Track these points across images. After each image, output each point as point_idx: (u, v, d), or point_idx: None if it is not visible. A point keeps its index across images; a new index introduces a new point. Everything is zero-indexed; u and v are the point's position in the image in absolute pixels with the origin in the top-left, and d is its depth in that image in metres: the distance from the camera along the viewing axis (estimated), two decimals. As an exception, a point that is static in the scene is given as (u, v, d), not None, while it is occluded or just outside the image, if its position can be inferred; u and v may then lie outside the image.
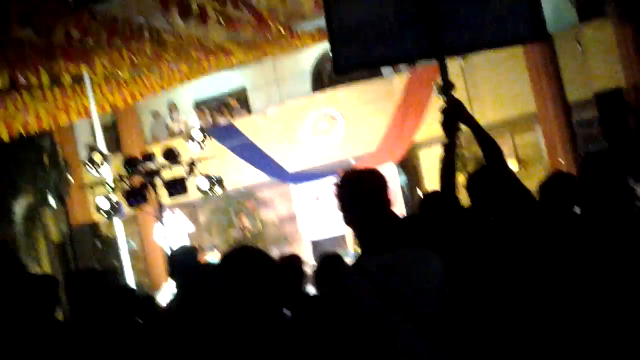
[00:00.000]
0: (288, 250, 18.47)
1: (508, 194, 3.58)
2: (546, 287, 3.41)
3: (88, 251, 15.64)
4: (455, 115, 3.65)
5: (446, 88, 3.70)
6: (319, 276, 4.91)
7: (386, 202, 3.05)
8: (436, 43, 3.62)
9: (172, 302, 5.79)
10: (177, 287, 5.12)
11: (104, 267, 15.24)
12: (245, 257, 3.13)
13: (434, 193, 5.13)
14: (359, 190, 2.99)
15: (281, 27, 13.41)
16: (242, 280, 2.91)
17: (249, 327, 2.84)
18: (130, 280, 13.54)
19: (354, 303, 2.83)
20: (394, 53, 3.76)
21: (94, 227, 16.04)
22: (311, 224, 17.92)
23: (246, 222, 18.69)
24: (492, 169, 3.64)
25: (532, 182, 15.22)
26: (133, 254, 15.10)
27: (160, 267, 17.25)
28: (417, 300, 2.81)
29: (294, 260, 5.16)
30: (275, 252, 18.31)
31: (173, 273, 5.11)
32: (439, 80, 3.77)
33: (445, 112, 3.67)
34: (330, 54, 3.79)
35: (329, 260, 5.03)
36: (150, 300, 6.00)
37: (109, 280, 4.28)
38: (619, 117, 14.54)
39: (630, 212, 3.87)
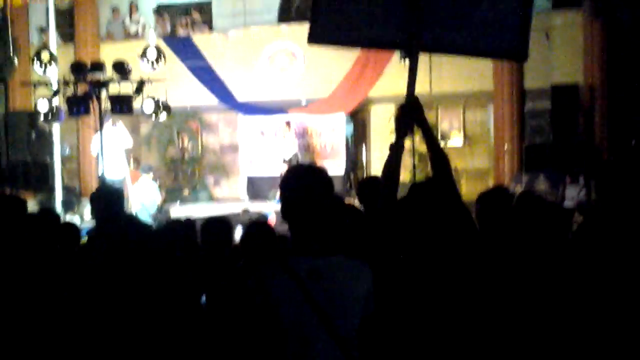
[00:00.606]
0: (223, 179, 18.49)
1: (448, 212, 3.58)
2: (470, 306, 3.47)
3: (22, 140, 15.19)
4: (412, 115, 3.55)
5: (412, 86, 3.60)
6: (245, 249, 4.82)
7: (328, 204, 3.00)
8: (414, 37, 3.51)
9: (91, 237, 5.73)
10: (96, 225, 5.02)
11: (35, 160, 14.92)
12: (172, 232, 3.10)
13: (371, 179, 5.18)
14: (304, 187, 2.90)
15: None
16: (165, 257, 2.88)
17: (164, 311, 2.81)
18: (59, 181, 13.31)
19: (277, 305, 2.79)
20: (372, 37, 3.62)
21: (32, 116, 15.54)
22: (251, 159, 17.86)
23: (187, 143, 18.51)
24: (437, 182, 3.60)
25: (472, 159, 15.39)
26: (67, 155, 14.82)
27: (91, 174, 17.08)
28: (340, 312, 2.79)
29: (222, 229, 5.02)
30: (210, 181, 18.32)
31: (96, 209, 4.98)
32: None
33: (402, 108, 3.55)
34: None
35: (257, 232, 4.91)
36: (72, 228, 5.85)
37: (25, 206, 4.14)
38: (571, 112, 14.71)
39: (563, 240, 4.03)
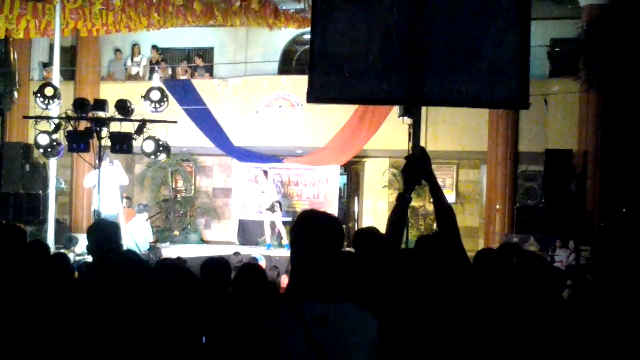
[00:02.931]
0: (214, 222, 18.49)
1: (452, 269, 3.59)
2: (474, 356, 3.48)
3: (16, 172, 15.22)
4: (420, 167, 3.53)
5: (416, 137, 3.57)
6: (237, 291, 4.83)
7: (338, 252, 3.01)
8: (416, 91, 3.50)
9: (83, 271, 5.69)
10: (93, 260, 5.00)
11: (28, 193, 14.90)
12: (171, 272, 3.10)
13: (367, 230, 5.20)
14: (319, 235, 2.89)
15: (263, 2, 13.30)
16: (165, 297, 2.89)
17: (164, 350, 2.80)
18: (52, 214, 13.30)
19: (282, 349, 2.76)
20: (371, 93, 3.57)
21: (27, 148, 15.62)
22: (243, 203, 17.91)
23: (180, 184, 18.55)
24: (443, 237, 3.61)
25: (464, 217, 15.47)
26: (60, 189, 14.80)
27: (83, 208, 17.09)
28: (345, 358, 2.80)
29: (222, 269, 5.04)
30: (201, 223, 18.32)
31: (93, 241, 4.97)
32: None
33: (410, 160, 3.53)
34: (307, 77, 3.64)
35: (250, 275, 4.91)
36: (62, 259, 5.82)
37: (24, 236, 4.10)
38: (564, 177, 14.86)
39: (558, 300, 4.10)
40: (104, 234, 4.92)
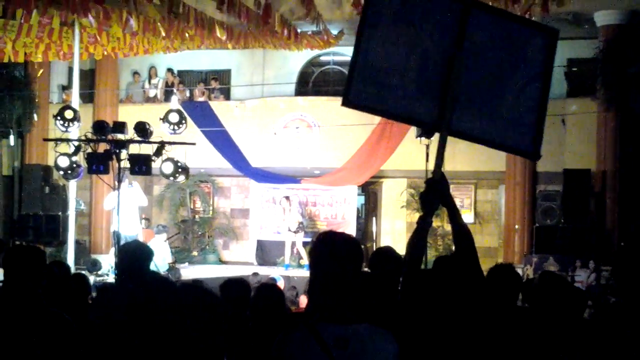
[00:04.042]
0: (232, 243, 18.53)
1: (471, 287, 3.58)
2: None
3: (35, 193, 15.38)
4: (438, 191, 3.55)
5: (439, 164, 3.59)
6: (256, 311, 4.83)
7: (358, 273, 3.01)
8: (444, 121, 3.53)
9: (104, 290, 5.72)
10: (120, 280, 5.04)
11: (47, 214, 15.03)
12: (195, 294, 3.13)
13: (384, 250, 5.20)
14: (339, 257, 2.90)
15: (283, 24, 13.34)
16: (190, 319, 2.90)
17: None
18: (72, 235, 13.40)
19: None
20: (403, 112, 3.60)
21: (46, 170, 15.78)
22: (261, 224, 17.94)
23: (198, 205, 18.62)
24: (461, 257, 3.61)
25: (482, 237, 15.42)
26: (79, 210, 14.94)
27: (102, 230, 17.19)
28: None
29: (241, 290, 5.05)
30: (219, 243, 18.37)
31: (123, 262, 5.02)
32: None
33: (429, 184, 3.56)
34: (346, 85, 3.66)
35: (268, 295, 4.92)
36: (82, 279, 5.87)
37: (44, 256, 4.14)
38: (582, 196, 14.80)
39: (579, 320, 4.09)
40: (139, 256, 4.98)
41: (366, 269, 4.96)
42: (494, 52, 3.53)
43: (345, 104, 3.54)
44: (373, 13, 3.52)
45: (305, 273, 13.33)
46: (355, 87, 3.49)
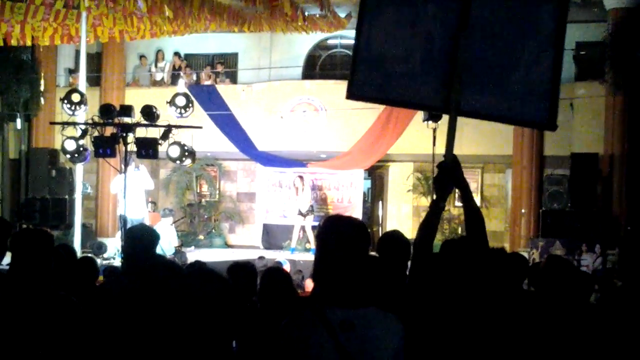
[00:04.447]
0: (238, 226, 18.56)
1: (479, 272, 3.58)
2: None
3: (42, 176, 15.41)
4: (451, 174, 3.44)
5: (450, 146, 3.54)
6: (263, 295, 4.84)
7: (364, 257, 3.00)
8: (453, 101, 3.47)
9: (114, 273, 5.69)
10: (126, 263, 5.04)
11: (54, 197, 15.09)
12: (204, 277, 3.13)
13: (391, 234, 5.19)
14: (346, 240, 2.89)
15: (292, 6, 13.27)
16: (200, 302, 2.91)
17: (195, 355, 2.83)
18: (79, 218, 13.45)
19: (309, 354, 2.77)
20: (409, 98, 3.55)
21: (53, 153, 15.81)
22: (267, 207, 17.96)
23: (205, 189, 18.65)
24: (472, 240, 3.58)
25: (489, 221, 15.30)
26: (85, 193, 14.97)
27: (109, 213, 17.24)
28: None
29: (248, 274, 5.05)
30: (225, 227, 18.40)
31: (130, 245, 5.02)
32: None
33: (442, 168, 3.51)
34: (350, 75, 3.61)
35: (275, 278, 4.92)
36: (89, 262, 5.88)
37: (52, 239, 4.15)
38: (590, 181, 14.77)
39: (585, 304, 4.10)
40: (145, 240, 4.97)
41: (373, 253, 4.95)
42: (501, 25, 3.46)
43: (350, 96, 3.49)
44: (372, 0, 3.47)
45: (311, 257, 13.34)
46: (359, 79, 3.44)
